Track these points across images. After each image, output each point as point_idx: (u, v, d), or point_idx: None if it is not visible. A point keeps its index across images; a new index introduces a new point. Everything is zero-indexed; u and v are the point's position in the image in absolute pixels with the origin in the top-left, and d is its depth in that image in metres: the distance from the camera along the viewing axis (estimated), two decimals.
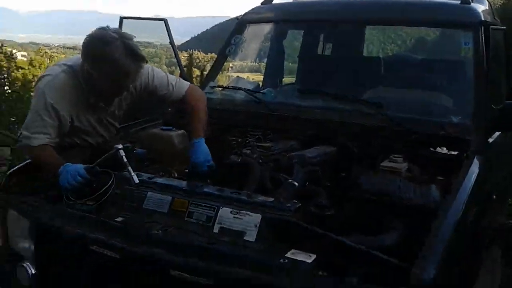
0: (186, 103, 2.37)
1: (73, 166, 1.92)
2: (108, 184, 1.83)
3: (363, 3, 3.22)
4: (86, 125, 2.24)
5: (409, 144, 2.31)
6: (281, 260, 1.40)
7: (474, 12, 2.77)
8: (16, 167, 2.17)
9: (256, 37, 3.68)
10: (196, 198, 1.69)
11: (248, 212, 1.58)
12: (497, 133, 2.69)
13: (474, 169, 1.99)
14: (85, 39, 2.04)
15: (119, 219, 1.71)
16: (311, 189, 1.90)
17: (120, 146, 1.93)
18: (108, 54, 1.95)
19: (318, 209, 1.63)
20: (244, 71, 3.97)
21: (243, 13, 3.48)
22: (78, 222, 1.74)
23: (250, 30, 3.53)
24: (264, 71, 4.13)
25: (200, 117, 2.28)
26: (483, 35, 2.63)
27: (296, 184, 1.83)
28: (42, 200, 1.92)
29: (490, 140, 2.52)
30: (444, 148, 2.26)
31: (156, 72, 2.39)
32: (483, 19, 2.72)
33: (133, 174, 1.84)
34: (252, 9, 3.47)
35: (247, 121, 2.70)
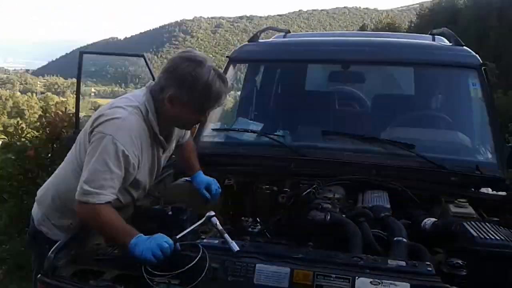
0: (184, 144, 2.34)
1: (159, 236, 1.60)
2: (199, 257, 1.55)
3: (364, 43, 3.26)
4: (142, 176, 1.93)
5: (450, 186, 2.34)
6: None
7: (473, 54, 2.94)
8: (62, 241, 1.75)
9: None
10: (320, 268, 1.50)
11: (393, 282, 1.43)
12: None
13: None
14: (170, 62, 1.82)
15: None
16: (411, 245, 1.80)
17: (212, 213, 1.67)
18: (202, 76, 1.76)
19: (452, 269, 1.55)
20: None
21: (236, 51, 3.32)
22: None
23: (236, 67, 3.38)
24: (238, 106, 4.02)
25: (195, 154, 2.38)
26: (485, 75, 2.80)
27: (406, 241, 1.73)
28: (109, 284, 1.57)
29: None
30: (489, 188, 2.33)
31: None
32: (481, 60, 2.89)
33: (231, 242, 1.59)
34: (241, 47, 3.35)
35: (274, 167, 2.54)
